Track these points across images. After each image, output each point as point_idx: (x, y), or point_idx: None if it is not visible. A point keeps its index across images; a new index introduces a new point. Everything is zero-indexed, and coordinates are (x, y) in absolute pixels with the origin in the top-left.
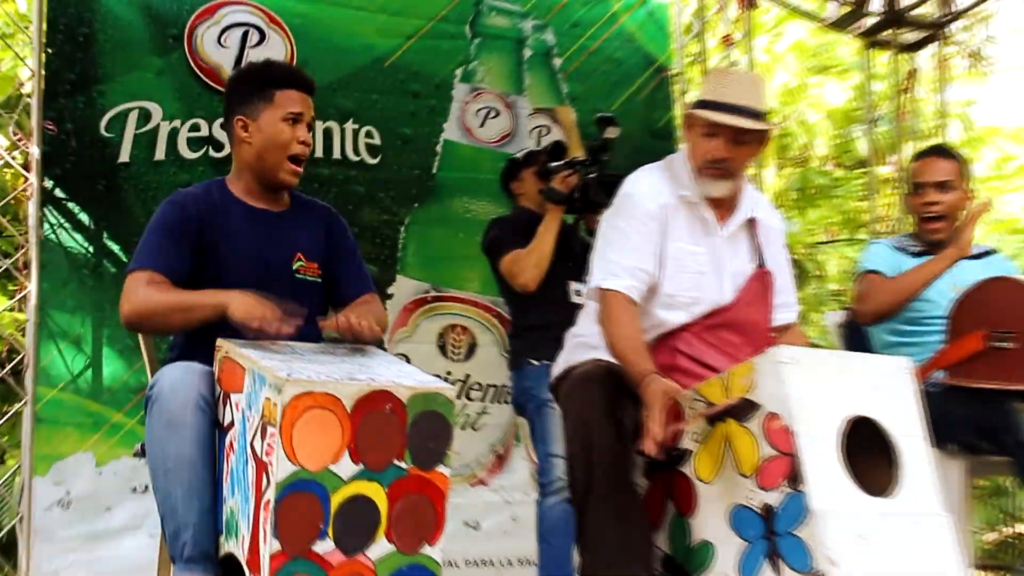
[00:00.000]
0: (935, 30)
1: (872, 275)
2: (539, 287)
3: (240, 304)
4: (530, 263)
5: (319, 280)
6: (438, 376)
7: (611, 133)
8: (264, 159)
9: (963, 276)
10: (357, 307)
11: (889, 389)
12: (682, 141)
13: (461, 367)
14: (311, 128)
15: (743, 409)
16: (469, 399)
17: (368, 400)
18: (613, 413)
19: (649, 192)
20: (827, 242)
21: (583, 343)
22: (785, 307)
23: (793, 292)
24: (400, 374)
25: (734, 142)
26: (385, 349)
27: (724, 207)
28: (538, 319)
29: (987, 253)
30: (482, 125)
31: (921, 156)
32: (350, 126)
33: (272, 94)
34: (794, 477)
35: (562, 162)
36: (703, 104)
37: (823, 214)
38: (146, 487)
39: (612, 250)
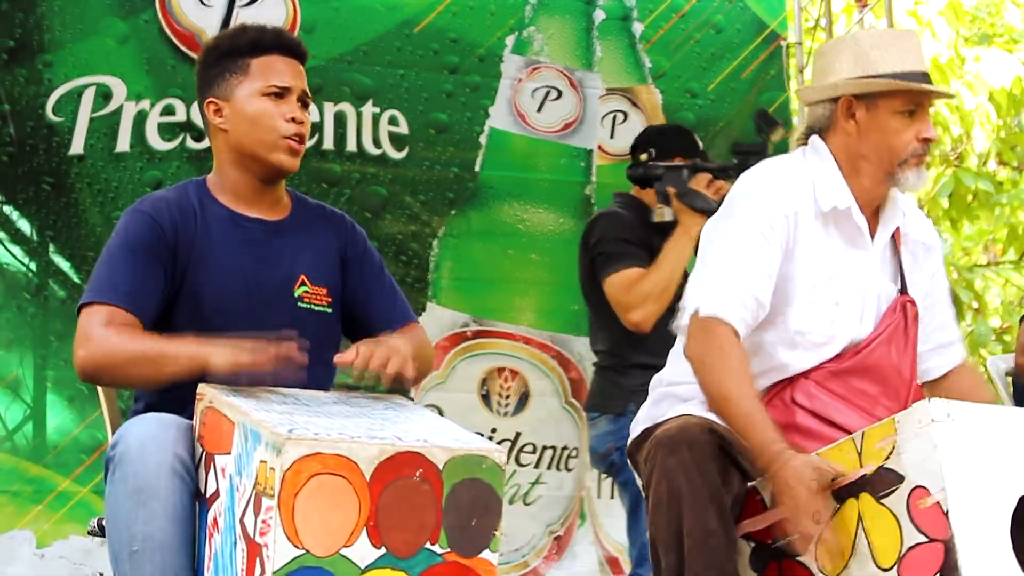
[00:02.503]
0: None
1: None
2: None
3: (223, 353)
4: (651, 292)
5: (329, 310)
6: (480, 434)
7: (777, 135)
8: (246, 145)
9: None
10: (391, 339)
11: None
12: (795, 130)
13: (509, 423)
14: (306, 106)
15: (882, 482)
16: (520, 464)
17: (393, 464)
18: (711, 485)
19: (776, 196)
20: (988, 264)
21: (671, 394)
22: (945, 347)
23: (954, 327)
24: (434, 431)
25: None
26: (411, 399)
27: (874, 214)
28: (649, 356)
29: None
30: (540, 110)
31: None
32: (369, 109)
33: (246, 64)
34: (949, 571)
35: (696, 165)
36: (900, 76)
37: (983, 229)
38: None
39: (719, 268)
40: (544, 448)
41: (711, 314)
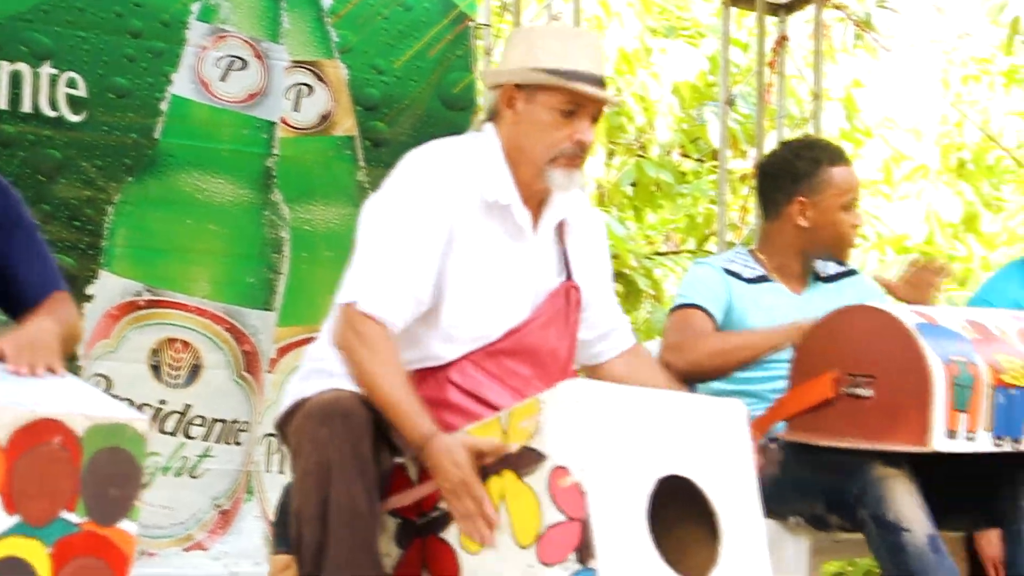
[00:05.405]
0: None
1: (691, 311)
2: None
3: None
4: None
5: None
6: (148, 406)
7: None
8: None
9: (816, 307)
10: (40, 333)
11: (715, 441)
12: (480, 111)
13: (179, 395)
14: None
15: (524, 460)
16: (188, 437)
17: (30, 432)
18: (361, 458)
19: (438, 185)
20: (666, 253)
21: (320, 369)
22: (613, 334)
23: (619, 311)
24: (76, 399)
25: (592, 121)
26: (79, 368)
27: (539, 205)
28: None
29: (846, 274)
30: (223, 79)
31: (840, 161)
32: (46, 70)
33: None
34: (584, 549)
35: None
36: (560, 73)
37: (665, 218)
38: None
39: (380, 261)
40: (214, 421)
41: (367, 312)
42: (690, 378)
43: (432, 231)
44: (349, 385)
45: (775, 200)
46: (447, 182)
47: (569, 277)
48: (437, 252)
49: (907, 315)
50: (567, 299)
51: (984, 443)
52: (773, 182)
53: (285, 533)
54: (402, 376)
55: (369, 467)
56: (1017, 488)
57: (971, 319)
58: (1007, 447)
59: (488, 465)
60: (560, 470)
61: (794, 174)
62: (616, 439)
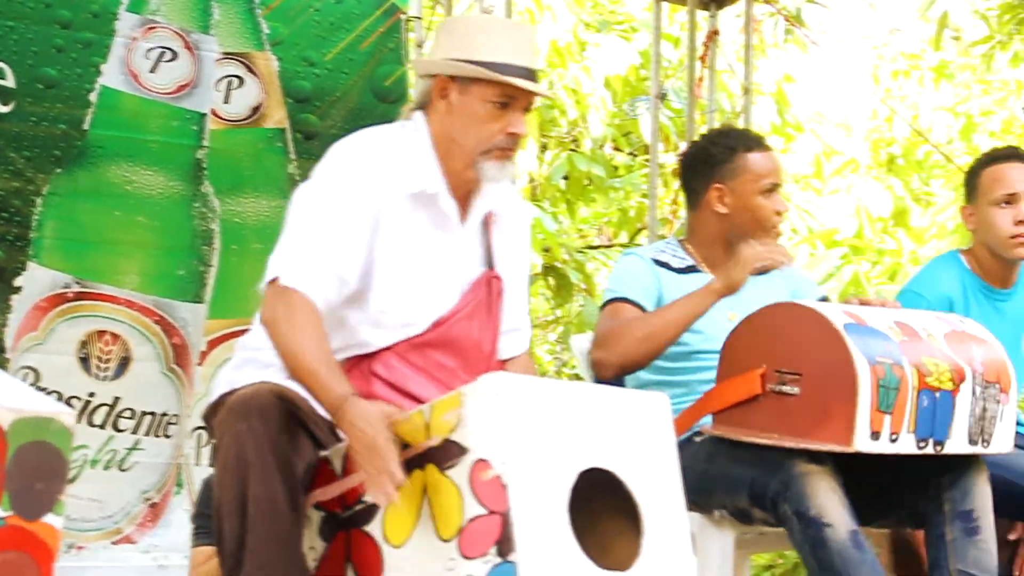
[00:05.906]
0: None
1: (621, 305)
2: None
3: None
4: None
5: None
6: (76, 398)
7: None
8: None
9: (745, 299)
10: None
11: (638, 434)
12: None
13: (108, 387)
14: None
15: (447, 453)
16: (117, 430)
17: None
18: (279, 452)
19: (369, 174)
20: (598, 247)
21: (253, 359)
22: (514, 334)
23: (526, 313)
24: (2, 393)
25: (524, 112)
26: (6, 361)
27: (467, 196)
28: None
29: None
30: (153, 70)
31: (756, 147)
32: None
33: None
34: (505, 543)
35: None
36: (495, 67)
37: (597, 211)
38: None
39: (305, 240)
40: (143, 414)
41: (291, 286)
42: (624, 371)
43: (357, 213)
44: (278, 377)
45: (695, 189)
46: (374, 169)
47: (491, 267)
48: (363, 234)
49: (836, 314)
50: (489, 289)
51: (907, 445)
52: (692, 171)
53: (206, 526)
54: (322, 343)
55: (288, 462)
56: (941, 490)
57: (899, 320)
58: (929, 449)
59: (411, 459)
60: (481, 463)
61: (710, 161)
62: (538, 432)
